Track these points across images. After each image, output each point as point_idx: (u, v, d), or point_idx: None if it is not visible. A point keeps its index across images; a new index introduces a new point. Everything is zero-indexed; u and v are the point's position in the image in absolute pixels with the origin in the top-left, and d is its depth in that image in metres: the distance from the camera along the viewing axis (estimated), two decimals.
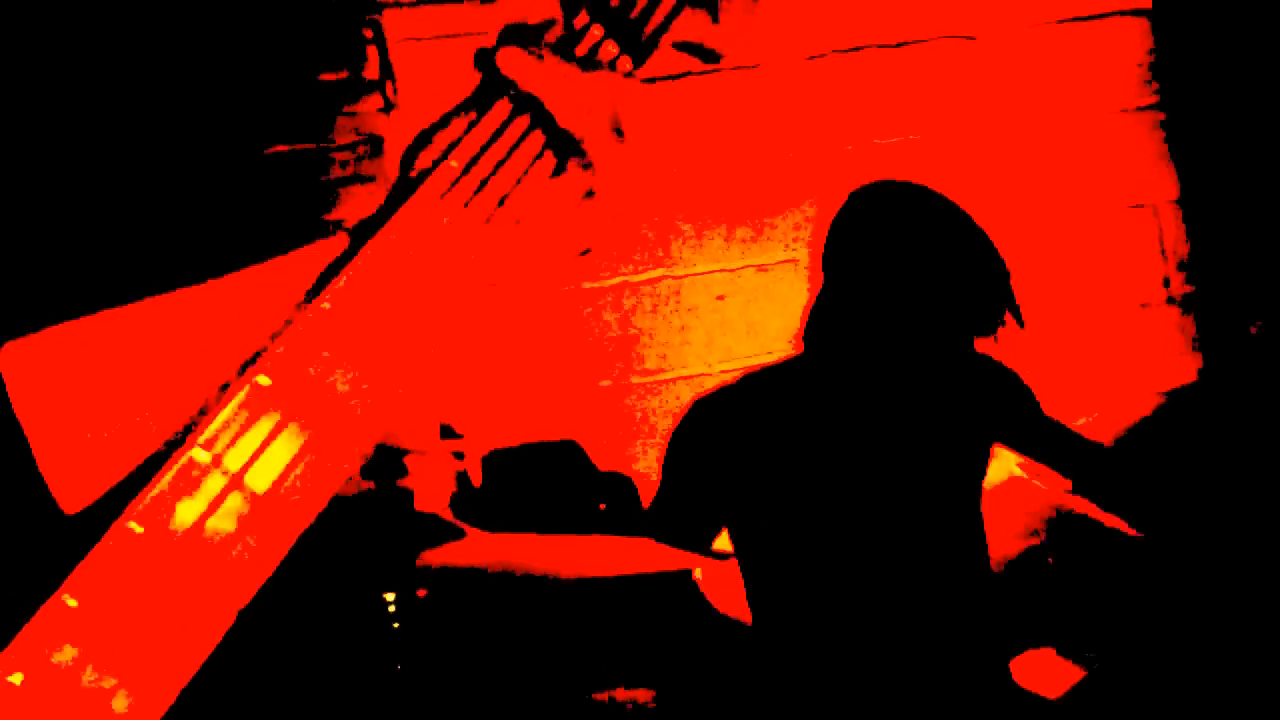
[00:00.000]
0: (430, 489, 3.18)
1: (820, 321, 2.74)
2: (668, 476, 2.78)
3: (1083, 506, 2.93)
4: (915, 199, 2.73)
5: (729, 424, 2.73)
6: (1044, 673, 3.01)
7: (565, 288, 3.84)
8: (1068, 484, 2.91)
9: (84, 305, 1.24)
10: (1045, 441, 2.89)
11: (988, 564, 2.83)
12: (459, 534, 2.47)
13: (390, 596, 2.24)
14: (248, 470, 1.06)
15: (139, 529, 1.05)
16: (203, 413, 1.08)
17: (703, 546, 2.76)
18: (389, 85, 3.67)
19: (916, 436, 2.74)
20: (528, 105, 1.23)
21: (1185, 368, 4.01)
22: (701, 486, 2.73)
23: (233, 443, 1.06)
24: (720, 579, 2.81)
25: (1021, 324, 2.68)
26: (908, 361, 2.68)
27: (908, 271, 2.63)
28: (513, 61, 1.22)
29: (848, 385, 2.72)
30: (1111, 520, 2.91)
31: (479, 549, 2.52)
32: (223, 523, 1.06)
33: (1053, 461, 2.89)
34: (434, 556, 2.43)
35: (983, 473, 2.84)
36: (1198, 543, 3.00)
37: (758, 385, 2.79)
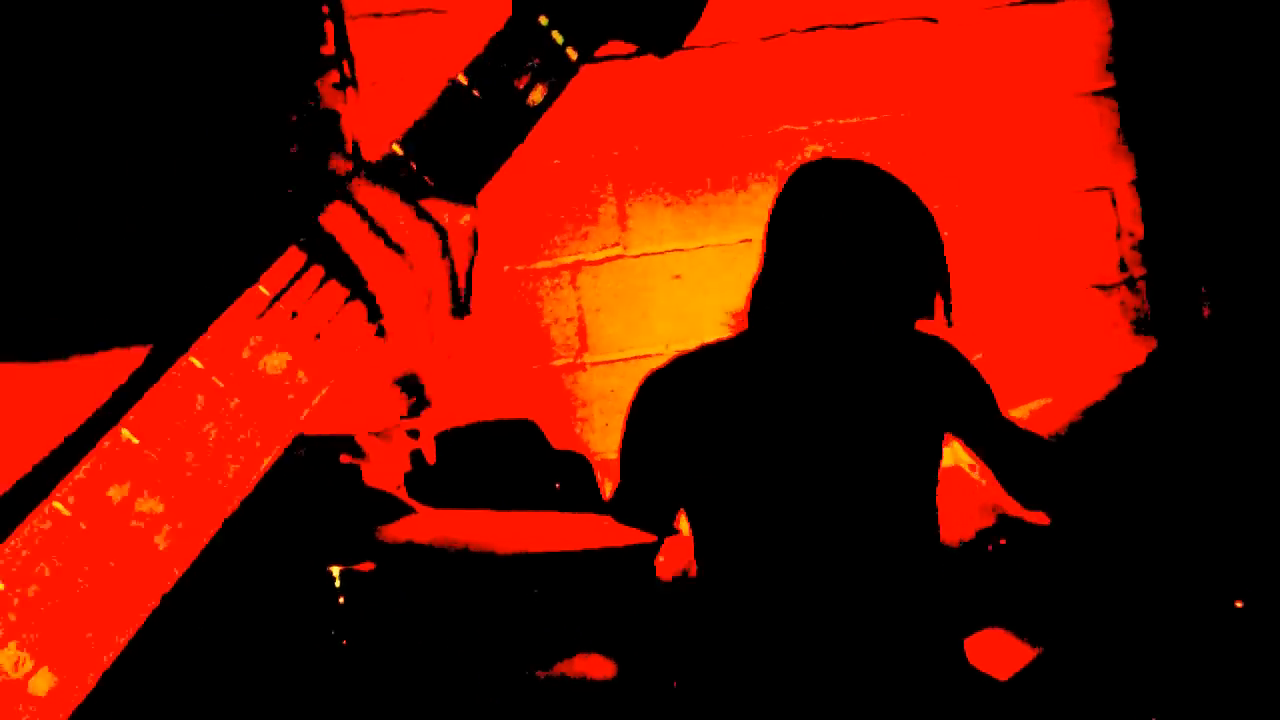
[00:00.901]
0: (385, 468, 3.17)
1: (764, 297, 2.75)
2: (626, 456, 2.78)
3: (1010, 503, 2.95)
4: (852, 175, 2.75)
5: (681, 399, 2.74)
6: (998, 653, 3.03)
7: (520, 267, 3.83)
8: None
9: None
10: (984, 432, 2.90)
11: (938, 543, 2.84)
12: (408, 510, 2.46)
13: (336, 570, 2.22)
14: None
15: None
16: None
17: (667, 527, 2.77)
18: (345, 63, 3.64)
19: (866, 414, 2.75)
20: (342, 262, 1.20)
21: (1139, 350, 4.03)
22: (659, 464, 2.74)
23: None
24: (668, 552, 2.83)
25: (949, 305, 2.70)
26: (850, 336, 2.69)
27: (844, 244, 2.65)
28: (337, 221, 1.19)
29: (797, 361, 2.73)
30: (1034, 516, 2.93)
31: (430, 524, 2.51)
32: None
33: (986, 454, 2.90)
34: (384, 532, 2.42)
35: (936, 454, 2.85)
36: (1118, 535, 3.02)
37: (710, 359, 2.80)
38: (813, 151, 3.82)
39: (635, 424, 2.79)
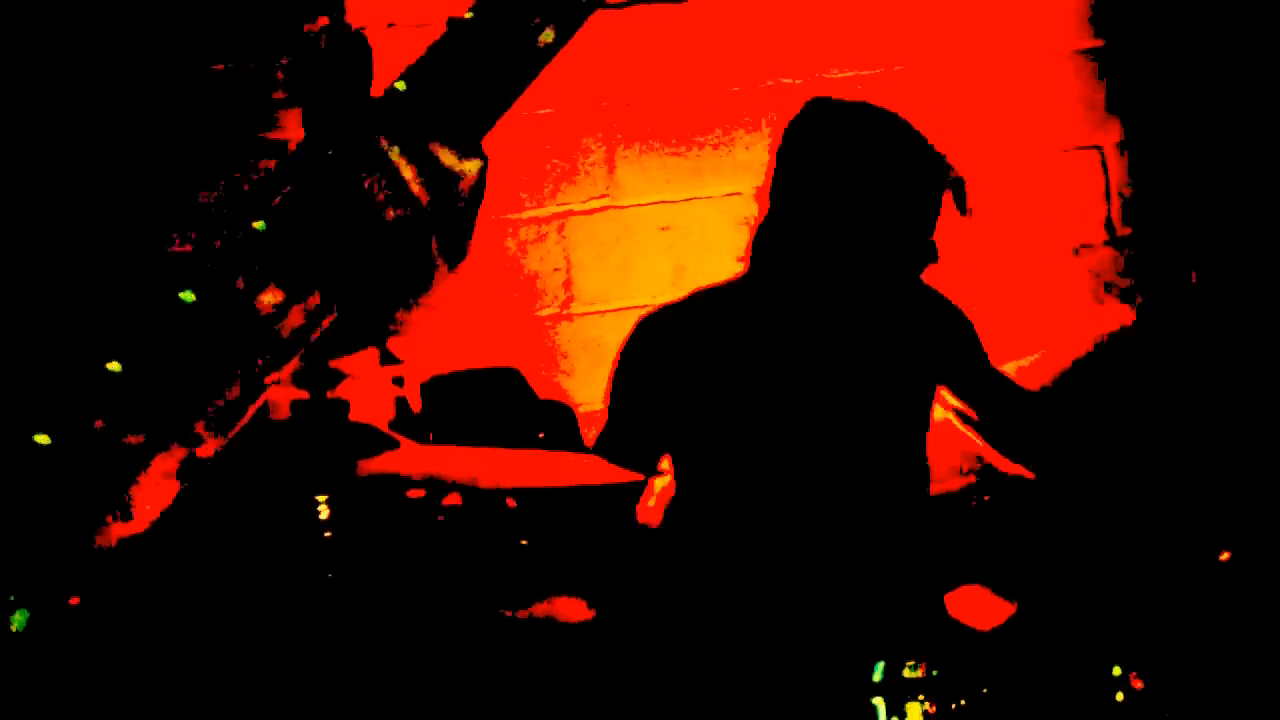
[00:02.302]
0: (370, 414, 3.17)
1: (767, 237, 2.74)
2: (615, 397, 2.78)
3: (994, 457, 2.96)
4: (862, 115, 2.73)
5: (675, 342, 2.73)
6: (978, 608, 3.05)
7: (508, 215, 3.82)
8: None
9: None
10: (974, 384, 2.91)
11: (926, 493, 2.85)
12: (394, 444, 2.46)
13: (322, 500, 2.22)
14: None
15: None
16: None
17: (650, 467, 2.77)
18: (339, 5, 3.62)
19: (860, 361, 2.75)
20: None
21: (1125, 311, 4.04)
22: (648, 406, 2.74)
23: None
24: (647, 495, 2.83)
25: (965, 210, 2.69)
26: (857, 280, 2.68)
27: (855, 184, 2.64)
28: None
29: (794, 305, 2.72)
30: (1017, 470, 2.94)
31: (414, 457, 2.52)
32: None
33: (975, 406, 2.91)
34: (369, 464, 2.43)
35: (927, 404, 2.85)
36: (1102, 490, 3.03)
37: (706, 304, 2.79)
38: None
39: (627, 363, 2.78)
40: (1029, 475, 2.94)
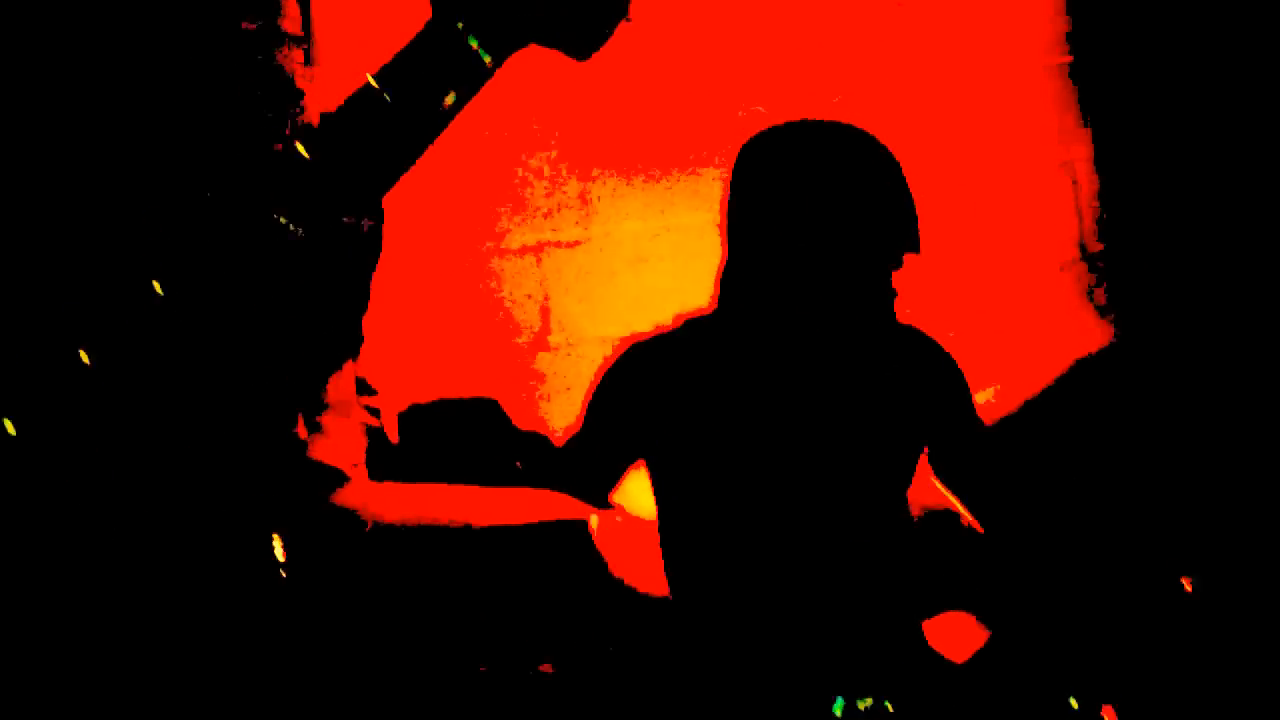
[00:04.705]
0: (343, 445, 3.17)
1: (730, 273, 2.73)
2: (591, 407, 2.77)
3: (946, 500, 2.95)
4: (805, 134, 2.73)
5: (658, 367, 2.73)
6: (956, 636, 3.04)
7: (484, 246, 3.83)
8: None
9: None
10: (951, 436, 2.86)
11: (908, 529, 2.83)
12: (344, 479, 2.45)
13: (277, 540, 2.21)
14: None
15: None
16: None
17: (605, 487, 2.76)
18: (309, 40, 3.63)
19: (843, 404, 2.74)
20: None
21: (1097, 333, 4.05)
22: (622, 422, 2.73)
23: None
24: (617, 538, 2.81)
25: (916, 247, 2.66)
26: (820, 309, 2.67)
27: (807, 208, 2.63)
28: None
29: (765, 340, 2.72)
30: (966, 516, 2.93)
31: (371, 495, 2.51)
32: None
33: (944, 454, 2.87)
34: (329, 501, 2.42)
35: (913, 455, 2.81)
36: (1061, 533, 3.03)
37: (690, 334, 2.78)
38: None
39: (610, 379, 2.77)
40: (978, 529, 2.93)
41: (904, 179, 2.67)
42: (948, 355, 2.84)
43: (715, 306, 2.77)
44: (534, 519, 2.60)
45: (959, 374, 2.85)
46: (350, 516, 2.31)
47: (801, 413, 2.71)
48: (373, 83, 1.26)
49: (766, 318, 2.70)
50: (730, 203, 2.72)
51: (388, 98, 1.25)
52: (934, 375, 2.83)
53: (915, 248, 2.66)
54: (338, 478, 2.32)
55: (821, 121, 2.73)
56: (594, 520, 2.75)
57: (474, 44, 1.26)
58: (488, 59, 1.27)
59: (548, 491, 2.68)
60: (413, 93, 1.25)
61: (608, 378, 2.77)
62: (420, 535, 2.60)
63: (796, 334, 2.70)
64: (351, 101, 1.26)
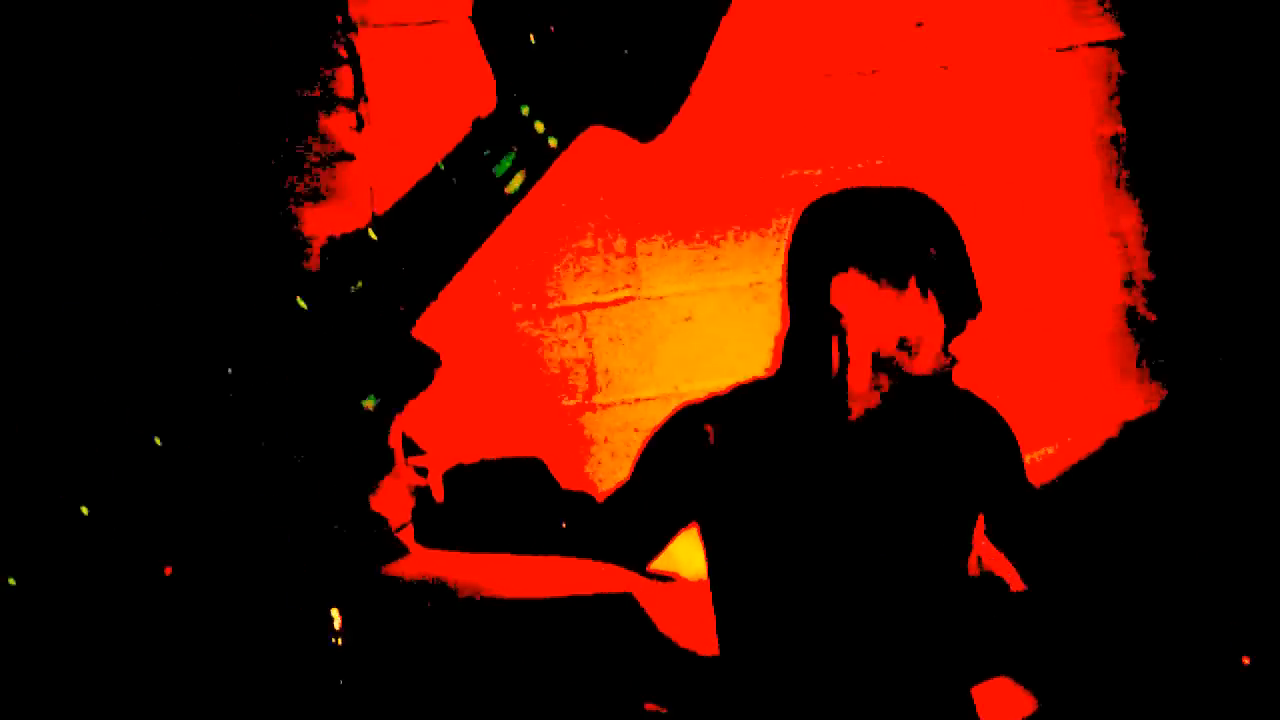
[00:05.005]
0: (392, 504, 3.18)
1: (791, 343, 2.71)
2: (639, 475, 2.74)
3: (995, 560, 2.92)
4: (863, 200, 2.71)
5: (715, 432, 2.69)
6: (1004, 702, 3.02)
7: (532, 306, 3.84)
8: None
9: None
10: (1007, 507, 2.82)
11: (965, 594, 2.80)
12: (404, 550, 2.45)
13: (335, 613, 2.22)
14: None
15: None
16: None
17: (653, 550, 2.74)
18: (361, 104, 3.67)
19: (903, 478, 2.69)
20: None
21: (1147, 396, 4.03)
22: (673, 491, 2.70)
23: None
24: (665, 601, 2.79)
25: (977, 308, 2.63)
26: (888, 373, 2.64)
27: (871, 265, 2.60)
28: None
29: (837, 405, 2.68)
30: (1010, 575, 2.91)
31: (424, 565, 2.50)
32: None
33: (1000, 524, 2.83)
34: (383, 572, 2.42)
35: (969, 527, 2.78)
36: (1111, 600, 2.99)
37: (746, 400, 2.75)
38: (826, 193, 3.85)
39: (661, 440, 2.73)
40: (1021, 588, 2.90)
41: (963, 242, 2.65)
42: (1004, 423, 2.81)
43: (774, 371, 2.75)
44: (583, 590, 2.59)
45: (1014, 442, 2.82)
46: (407, 590, 2.31)
47: (861, 481, 2.68)
48: (441, 166, 1.27)
49: (827, 385, 2.67)
50: (789, 268, 2.70)
51: (455, 181, 1.26)
52: (991, 443, 2.80)
53: (974, 310, 2.64)
54: (391, 544, 2.32)
55: (880, 187, 2.71)
56: (642, 587, 2.74)
57: (540, 127, 1.27)
58: (554, 142, 1.28)
59: (594, 563, 2.66)
60: (480, 177, 1.26)
61: (661, 440, 2.75)
62: (473, 609, 2.60)
63: (857, 401, 2.67)
64: (420, 187, 1.27)
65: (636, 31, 1.29)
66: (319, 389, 1.25)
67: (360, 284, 1.26)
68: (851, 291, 2.60)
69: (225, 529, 1.23)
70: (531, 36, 1.26)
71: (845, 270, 2.60)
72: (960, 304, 2.62)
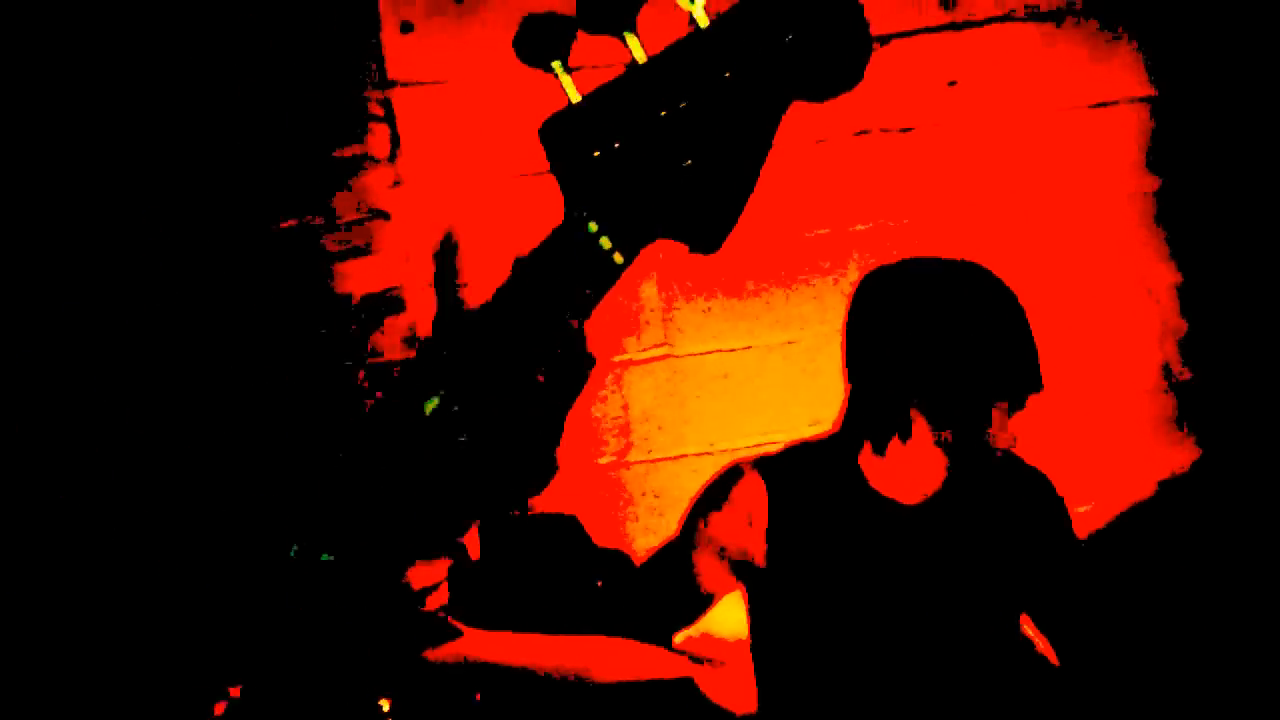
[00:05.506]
0: (429, 563, 3.19)
1: (854, 410, 2.68)
2: (689, 525, 2.72)
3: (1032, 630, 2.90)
4: (927, 272, 2.69)
5: (770, 494, 2.67)
6: None
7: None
8: None
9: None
10: (1054, 581, 2.80)
11: (1014, 659, 2.77)
12: (453, 630, 2.44)
13: (385, 705, 2.21)
14: None
15: None
16: None
17: (697, 611, 2.72)
18: (399, 161, 3.70)
19: (957, 549, 2.68)
20: None
21: (1182, 456, 4.01)
22: (722, 552, 2.68)
23: None
24: (720, 676, 2.76)
25: (1039, 386, 2.61)
26: (946, 444, 2.62)
27: (932, 346, 2.58)
28: None
29: (894, 473, 2.66)
30: (1043, 646, 2.88)
31: (474, 648, 2.49)
32: None
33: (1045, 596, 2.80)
34: (430, 656, 2.40)
35: (1023, 582, 2.75)
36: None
37: (799, 461, 2.73)
38: (862, 252, 3.85)
39: (710, 499, 2.71)
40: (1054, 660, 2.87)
41: (1026, 319, 2.64)
42: (1053, 490, 2.80)
43: (828, 435, 2.73)
44: (637, 676, 2.57)
45: (1064, 511, 2.81)
46: (457, 679, 2.31)
47: (916, 553, 2.66)
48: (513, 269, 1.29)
49: (885, 453, 2.65)
50: (850, 338, 2.67)
51: (525, 297, 1.28)
52: (1042, 515, 2.78)
53: (1038, 387, 2.64)
54: (438, 625, 2.31)
55: (945, 260, 2.70)
56: (698, 672, 2.71)
57: (606, 245, 1.29)
58: (620, 258, 1.30)
59: (642, 645, 2.64)
60: (547, 293, 1.28)
61: (712, 498, 2.73)
62: (522, 701, 2.58)
63: (918, 475, 2.66)
64: (492, 303, 1.28)
65: (700, 144, 1.31)
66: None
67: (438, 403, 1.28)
68: (911, 372, 2.59)
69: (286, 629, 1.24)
70: (596, 152, 1.27)
71: (908, 351, 2.59)
72: (1024, 386, 2.62)
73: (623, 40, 1.33)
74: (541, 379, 1.32)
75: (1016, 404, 2.63)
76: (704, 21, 1.34)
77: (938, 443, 2.61)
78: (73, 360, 3.32)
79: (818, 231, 3.94)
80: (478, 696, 2.46)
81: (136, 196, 3.49)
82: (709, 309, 3.93)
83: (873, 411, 2.64)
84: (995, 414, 2.63)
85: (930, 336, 2.58)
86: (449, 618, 2.49)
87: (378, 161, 3.70)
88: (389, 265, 3.67)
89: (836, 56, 1.33)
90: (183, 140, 3.50)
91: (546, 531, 3.63)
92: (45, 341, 3.29)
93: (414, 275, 3.67)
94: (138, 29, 3.46)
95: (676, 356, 3.92)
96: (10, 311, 3.29)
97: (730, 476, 2.72)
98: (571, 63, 1.38)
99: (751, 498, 2.67)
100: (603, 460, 3.88)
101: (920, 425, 2.60)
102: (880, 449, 2.65)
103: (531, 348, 1.30)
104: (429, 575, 2.51)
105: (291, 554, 1.20)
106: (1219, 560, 3.37)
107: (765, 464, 2.72)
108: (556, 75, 1.33)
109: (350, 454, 1.30)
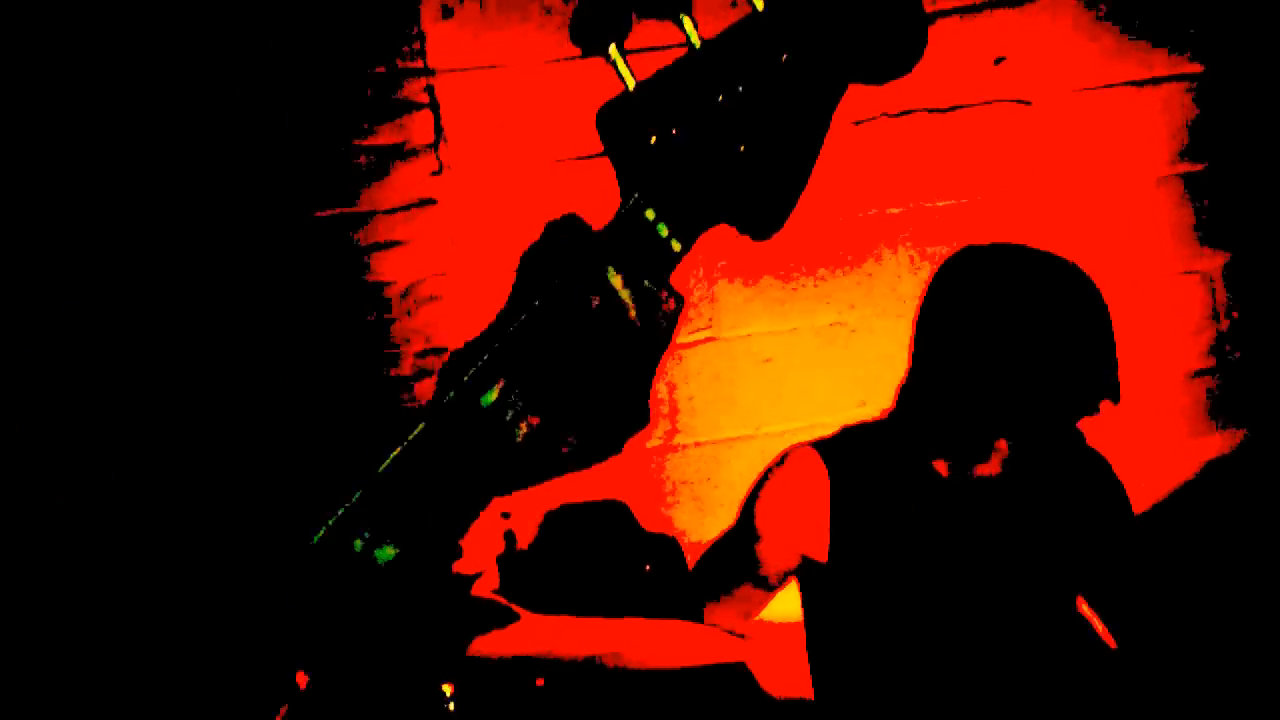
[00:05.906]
0: (478, 548, 3.19)
1: (915, 399, 2.65)
2: (746, 513, 2.69)
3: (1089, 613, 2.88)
4: (1008, 260, 2.64)
5: (831, 480, 2.64)
6: None
7: None
8: None
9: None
10: (1113, 569, 2.77)
11: (1072, 645, 2.75)
12: (509, 613, 2.44)
13: (448, 690, 2.21)
14: None
15: None
16: None
17: (761, 601, 2.70)
18: (441, 149, 3.70)
19: (1019, 536, 2.65)
20: None
21: (1228, 438, 3.98)
22: (783, 540, 2.66)
23: None
24: (769, 661, 2.75)
25: (1116, 397, 2.58)
26: (1011, 440, 2.60)
27: (1006, 341, 2.54)
28: None
29: (949, 460, 2.64)
30: (1100, 628, 2.86)
31: (533, 633, 2.48)
32: None
33: (1102, 583, 2.78)
34: (486, 644, 2.40)
35: (1080, 570, 2.72)
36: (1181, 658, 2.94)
37: (858, 444, 2.70)
38: (905, 233, 3.83)
39: (771, 489, 2.69)
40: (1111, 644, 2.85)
41: (1110, 323, 2.60)
42: (1113, 474, 2.77)
43: (885, 415, 2.70)
44: (694, 660, 2.56)
45: (1123, 491, 2.78)
46: (517, 665, 2.30)
47: (977, 537, 2.64)
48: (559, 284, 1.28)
49: (948, 444, 2.62)
50: (924, 319, 2.63)
51: (581, 289, 1.27)
52: (1102, 494, 2.76)
53: (1115, 397, 2.60)
54: (490, 607, 2.31)
55: (1030, 255, 2.64)
56: (752, 654, 2.70)
57: (664, 232, 1.28)
58: (677, 246, 1.29)
59: (700, 627, 2.63)
60: (607, 285, 1.27)
61: (771, 484, 2.70)
62: (583, 685, 2.57)
63: (981, 461, 2.63)
64: (543, 303, 1.27)
65: (757, 129, 1.30)
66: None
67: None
68: (990, 371, 2.55)
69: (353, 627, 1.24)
70: (653, 138, 1.26)
71: (987, 348, 2.55)
72: (1105, 396, 2.58)
73: (678, 24, 1.32)
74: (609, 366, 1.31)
75: (1093, 412, 2.60)
76: (760, 4, 1.33)
77: (1007, 435, 2.59)
78: (108, 353, 3.33)
79: (864, 213, 3.93)
80: (539, 682, 2.46)
81: (176, 184, 3.50)
82: (754, 291, 3.91)
83: (953, 431, 2.60)
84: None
85: (1026, 374, 2.53)
86: (507, 601, 2.48)
87: (417, 150, 3.69)
88: (432, 252, 3.68)
89: (894, 37, 1.32)
90: (219, 131, 3.51)
91: (593, 516, 3.63)
92: (79, 333, 3.30)
93: (458, 262, 3.67)
94: (180, 20, 3.46)
95: (721, 340, 3.91)
96: (44, 303, 3.31)
97: (789, 460, 2.69)
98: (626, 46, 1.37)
99: (813, 481, 2.65)
100: (648, 444, 3.88)
101: (1002, 444, 2.58)
102: (954, 459, 2.62)
103: (587, 338, 1.30)
104: (474, 564, 2.51)
105: (357, 547, 1.20)
106: (1267, 542, 3.35)
107: (825, 446, 2.70)
108: (612, 60, 1.32)
109: (406, 445, 1.29)
